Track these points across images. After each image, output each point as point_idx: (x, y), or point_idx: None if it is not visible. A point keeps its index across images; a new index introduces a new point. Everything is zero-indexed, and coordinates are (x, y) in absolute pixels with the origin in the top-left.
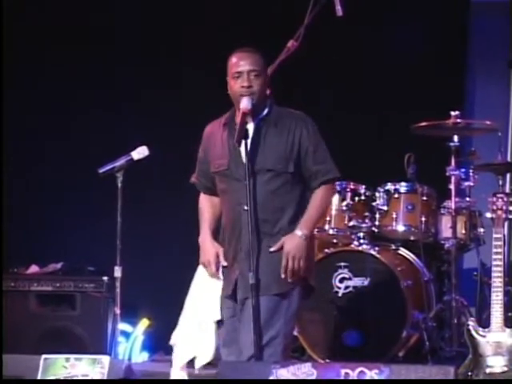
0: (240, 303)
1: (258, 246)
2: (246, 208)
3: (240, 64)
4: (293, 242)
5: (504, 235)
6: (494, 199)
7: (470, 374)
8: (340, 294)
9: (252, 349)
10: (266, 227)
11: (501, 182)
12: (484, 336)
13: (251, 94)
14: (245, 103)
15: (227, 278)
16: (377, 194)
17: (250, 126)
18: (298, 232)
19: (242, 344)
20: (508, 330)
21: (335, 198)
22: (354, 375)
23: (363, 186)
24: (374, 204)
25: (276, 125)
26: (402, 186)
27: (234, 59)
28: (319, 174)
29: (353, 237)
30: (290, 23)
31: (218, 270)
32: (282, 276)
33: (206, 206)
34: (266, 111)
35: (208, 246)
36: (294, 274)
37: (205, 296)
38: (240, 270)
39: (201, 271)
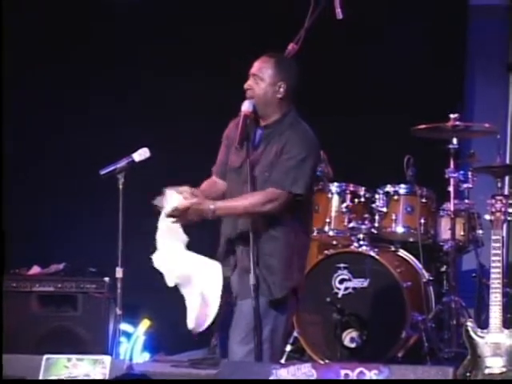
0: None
1: (252, 248)
2: None
3: (252, 66)
4: (200, 204)
5: (503, 237)
6: (493, 201)
7: (468, 374)
8: (340, 295)
9: (238, 355)
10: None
11: (499, 185)
12: (483, 337)
13: (250, 97)
14: (245, 106)
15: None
16: (376, 196)
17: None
18: (211, 205)
19: (229, 348)
20: (506, 331)
21: (335, 200)
22: (353, 376)
23: (363, 188)
24: (373, 206)
25: (281, 134)
26: (402, 188)
27: None
28: (268, 181)
29: (352, 238)
30: (290, 26)
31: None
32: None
33: (206, 183)
34: (274, 118)
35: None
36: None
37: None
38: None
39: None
